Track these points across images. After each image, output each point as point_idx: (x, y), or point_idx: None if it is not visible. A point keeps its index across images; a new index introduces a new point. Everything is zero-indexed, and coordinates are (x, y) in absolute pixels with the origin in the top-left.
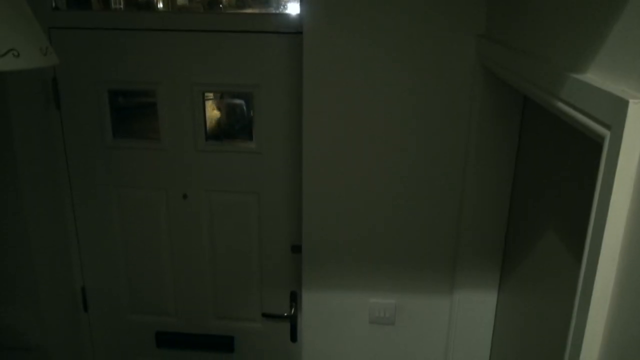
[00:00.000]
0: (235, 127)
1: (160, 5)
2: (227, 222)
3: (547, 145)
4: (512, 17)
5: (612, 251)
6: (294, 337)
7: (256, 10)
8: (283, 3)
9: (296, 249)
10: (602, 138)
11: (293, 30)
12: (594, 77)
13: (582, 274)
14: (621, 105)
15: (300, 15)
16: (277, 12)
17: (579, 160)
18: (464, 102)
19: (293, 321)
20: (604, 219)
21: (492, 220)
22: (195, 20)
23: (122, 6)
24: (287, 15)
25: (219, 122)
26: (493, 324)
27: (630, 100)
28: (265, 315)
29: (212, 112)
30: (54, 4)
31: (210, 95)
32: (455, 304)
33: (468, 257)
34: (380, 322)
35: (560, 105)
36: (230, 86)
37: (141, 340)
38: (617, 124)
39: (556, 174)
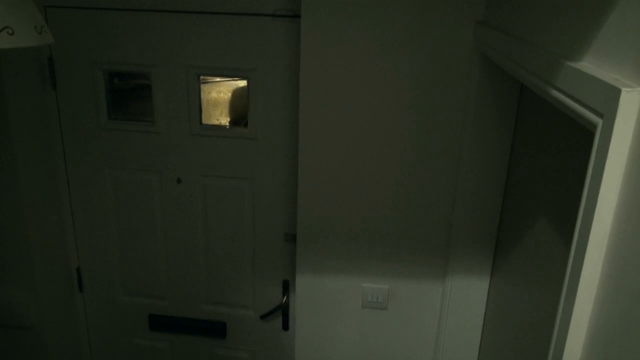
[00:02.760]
0: (232, 111)
1: None
2: (221, 208)
3: (542, 134)
4: (510, 3)
5: (600, 237)
6: (285, 325)
7: None
8: None
9: (290, 237)
10: (594, 126)
11: (290, 14)
12: (589, 65)
13: (570, 259)
14: (613, 94)
15: None
16: None
17: (573, 149)
18: (461, 89)
19: (285, 310)
20: (594, 207)
21: (485, 207)
22: (191, 1)
23: None
24: None
25: (215, 106)
26: (484, 310)
27: (623, 89)
28: (260, 315)
29: (209, 96)
30: None
31: (208, 78)
32: (447, 290)
33: (461, 244)
34: (373, 307)
35: (554, 92)
36: (226, 70)
37: (135, 322)
38: (609, 112)
39: (550, 162)
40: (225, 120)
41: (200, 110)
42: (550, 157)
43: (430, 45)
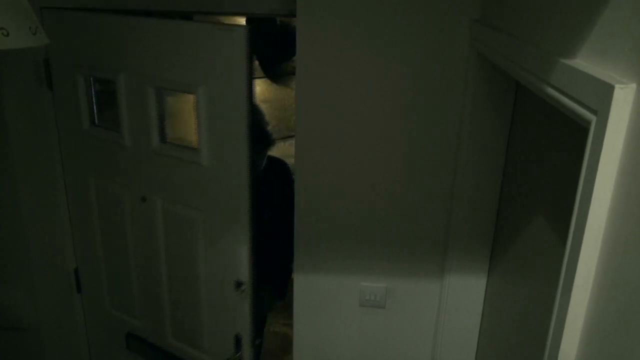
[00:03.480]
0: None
1: None
2: (180, 237)
3: (538, 132)
4: (505, 1)
5: (595, 234)
6: None
7: None
8: None
9: (240, 285)
10: (588, 123)
11: (287, 13)
12: (583, 62)
13: (565, 256)
14: (607, 91)
15: None
16: None
17: (568, 147)
18: (457, 87)
19: None
20: (588, 203)
21: (483, 205)
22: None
23: None
24: None
25: (179, 122)
26: (482, 308)
27: (616, 86)
28: None
29: (174, 111)
30: None
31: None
32: (445, 288)
33: (459, 242)
34: (371, 305)
35: (549, 90)
36: (170, 83)
37: (116, 337)
38: (603, 109)
39: (547, 160)
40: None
41: (163, 127)
42: (546, 155)
43: (427, 43)
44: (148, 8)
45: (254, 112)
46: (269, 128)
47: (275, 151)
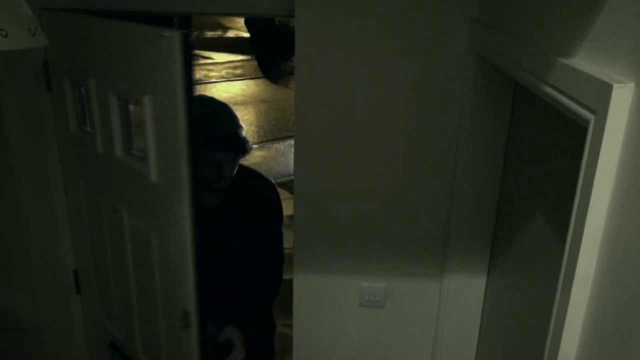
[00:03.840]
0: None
1: None
2: (141, 253)
3: (537, 131)
4: (503, 1)
5: (594, 232)
6: None
7: None
8: None
9: (185, 314)
10: (587, 122)
11: (285, 13)
12: (582, 61)
13: (565, 255)
14: (605, 90)
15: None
16: None
17: (568, 146)
18: (456, 87)
19: None
20: (587, 201)
21: (482, 205)
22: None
23: None
24: None
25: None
26: (482, 307)
27: (615, 85)
28: None
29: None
30: None
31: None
32: (444, 288)
33: (458, 242)
34: (371, 306)
35: (548, 89)
36: (126, 92)
37: (102, 345)
38: (601, 108)
39: (546, 159)
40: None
41: (126, 136)
42: (545, 155)
43: (425, 43)
44: (147, 10)
45: (223, 116)
46: (244, 132)
47: (274, 152)
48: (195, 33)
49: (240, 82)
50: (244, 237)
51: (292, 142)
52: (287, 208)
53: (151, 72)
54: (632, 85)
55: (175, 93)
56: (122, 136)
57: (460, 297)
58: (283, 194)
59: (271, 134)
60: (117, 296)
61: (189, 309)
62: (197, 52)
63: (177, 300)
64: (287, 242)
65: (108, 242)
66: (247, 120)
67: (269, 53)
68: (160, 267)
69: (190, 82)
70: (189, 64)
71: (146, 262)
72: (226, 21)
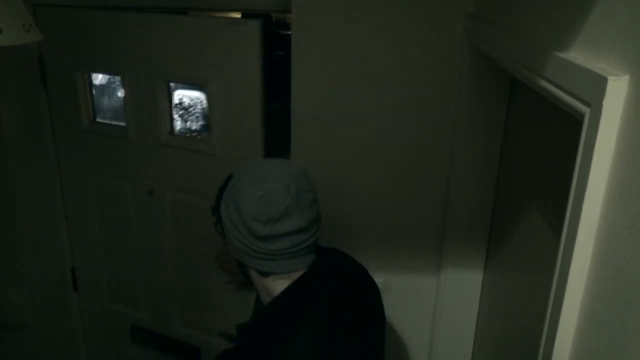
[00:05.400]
0: (197, 122)
1: None
2: (192, 227)
3: (533, 125)
4: None
5: (589, 225)
6: None
7: None
8: None
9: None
10: (582, 115)
11: (280, 9)
12: (577, 54)
13: (561, 248)
14: (600, 83)
15: None
16: None
17: (563, 139)
18: (452, 81)
19: None
20: (583, 195)
21: (478, 199)
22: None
23: None
24: None
25: (186, 115)
26: (479, 302)
27: (609, 78)
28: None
29: (181, 104)
30: None
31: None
32: (441, 282)
33: (455, 236)
34: None
35: (543, 83)
36: (187, 77)
37: (118, 332)
38: (596, 101)
39: (542, 154)
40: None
41: (172, 119)
42: (541, 149)
43: (421, 37)
44: (143, 4)
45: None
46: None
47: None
48: None
49: None
50: None
51: None
52: None
53: (221, 59)
54: (626, 78)
55: (251, 75)
56: (169, 119)
57: (458, 291)
58: None
59: None
60: (144, 279)
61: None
62: None
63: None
64: None
65: (134, 228)
66: None
67: None
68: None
69: (265, 65)
70: (263, 47)
71: (194, 234)
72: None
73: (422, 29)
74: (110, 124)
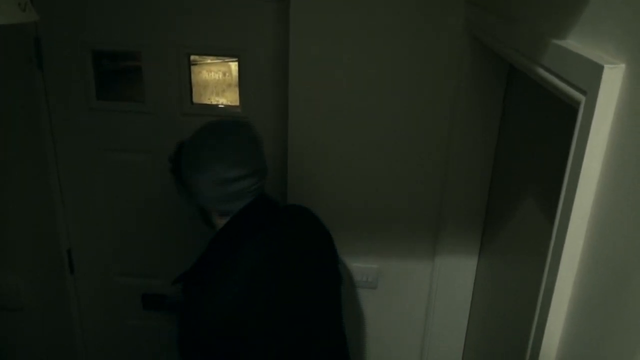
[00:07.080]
0: (221, 91)
1: None
2: None
3: (529, 113)
4: None
5: (582, 212)
6: None
7: None
8: None
9: None
10: (578, 103)
11: None
12: (574, 42)
13: (554, 233)
14: (596, 71)
15: None
16: None
17: (559, 128)
18: (451, 69)
19: None
20: (576, 182)
21: (474, 187)
22: None
23: None
24: None
25: (205, 86)
26: (472, 288)
27: (606, 66)
28: None
29: (198, 77)
30: None
31: (197, 60)
32: (436, 269)
33: (450, 223)
34: (363, 286)
35: (540, 70)
36: (215, 49)
37: (128, 302)
38: (592, 89)
39: (538, 142)
40: (215, 101)
41: (191, 89)
42: (537, 138)
43: (420, 26)
44: None
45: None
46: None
47: None
48: None
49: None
50: None
51: None
52: None
53: (252, 31)
54: (622, 66)
55: (277, 48)
56: (189, 89)
57: (452, 277)
58: None
59: None
60: (157, 247)
61: None
62: None
63: None
64: None
65: (144, 201)
66: None
67: None
68: None
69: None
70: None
71: None
72: None
73: (421, 17)
74: (119, 101)
